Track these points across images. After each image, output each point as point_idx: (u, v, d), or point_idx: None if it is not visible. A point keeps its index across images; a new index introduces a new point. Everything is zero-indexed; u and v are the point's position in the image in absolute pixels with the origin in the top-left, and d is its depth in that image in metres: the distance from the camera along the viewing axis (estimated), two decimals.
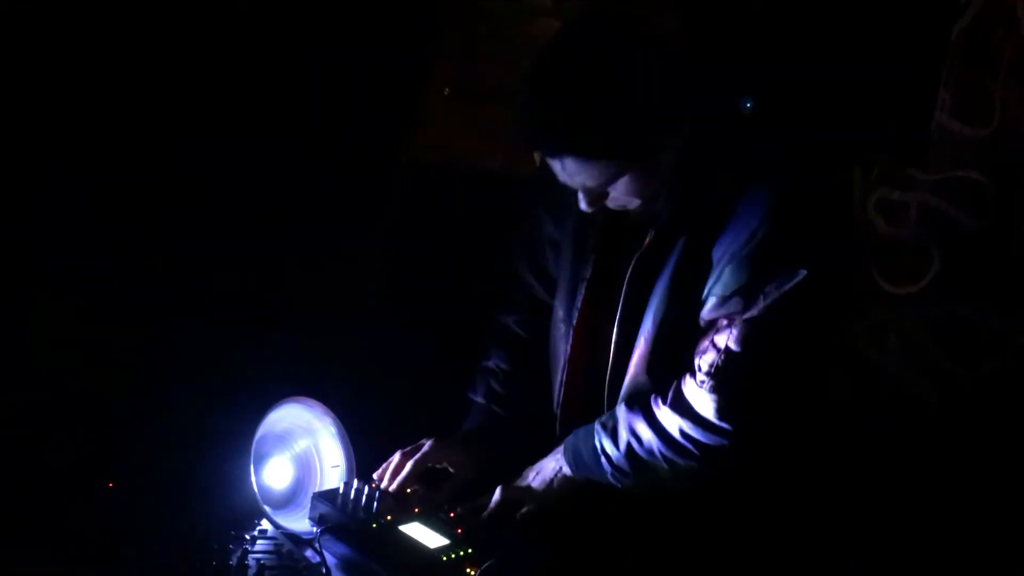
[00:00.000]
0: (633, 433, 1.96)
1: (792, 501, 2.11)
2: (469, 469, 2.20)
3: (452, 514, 2.00)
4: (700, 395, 1.90)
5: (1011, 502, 2.61)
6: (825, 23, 2.40)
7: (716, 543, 2.02)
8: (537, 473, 2.10)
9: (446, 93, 3.34)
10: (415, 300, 3.18)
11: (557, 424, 2.20)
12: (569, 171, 1.84)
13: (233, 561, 1.79)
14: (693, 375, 1.92)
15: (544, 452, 2.14)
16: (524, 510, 2.02)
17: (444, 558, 1.84)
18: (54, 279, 2.73)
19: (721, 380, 1.88)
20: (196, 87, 2.97)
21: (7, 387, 2.34)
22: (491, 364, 2.34)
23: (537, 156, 1.91)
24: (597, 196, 1.91)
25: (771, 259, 1.87)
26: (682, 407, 1.93)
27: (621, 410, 2.01)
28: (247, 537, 1.88)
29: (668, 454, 1.93)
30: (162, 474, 2.00)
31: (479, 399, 2.32)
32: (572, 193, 1.94)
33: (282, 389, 2.07)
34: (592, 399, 2.10)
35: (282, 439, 2.11)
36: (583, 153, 1.80)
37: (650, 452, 1.95)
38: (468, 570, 1.81)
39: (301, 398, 2.10)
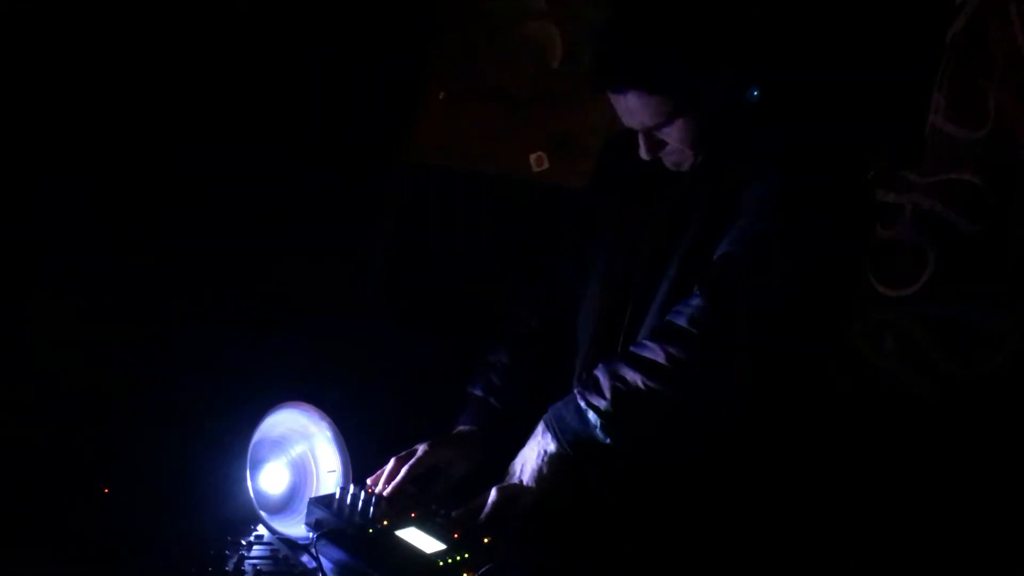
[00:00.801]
0: (616, 377, 2.00)
1: (791, 496, 2.12)
2: (464, 466, 2.21)
3: (451, 520, 2.00)
4: (688, 306, 1.99)
5: (1009, 501, 2.61)
6: (818, 24, 2.40)
7: (715, 535, 2.04)
8: (523, 464, 2.10)
9: (441, 96, 3.35)
10: (413, 304, 3.19)
11: None
12: (632, 108, 2.02)
13: (229, 567, 1.80)
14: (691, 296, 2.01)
15: None
16: (520, 506, 2.04)
17: (441, 563, 1.85)
18: (54, 279, 2.73)
19: (712, 289, 1.99)
20: (196, 87, 2.97)
21: (7, 387, 2.35)
22: (493, 358, 2.36)
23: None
24: (655, 143, 2.07)
25: (792, 206, 2.02)
26: (666, 333, 2.00)
27: (599, 367, 2.05)
28: (243, 543, 1.89)
29: (653, 384, 1.97)
30: (158, 479, 2.00)
31: (477, 392, 2.33)
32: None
33: (278, 393, 2.08)
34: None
35: (278, 444, 2.11)
36: (645, 87, 1.98)
37: (635, 388, 1.98)
38: (465, 575, 1.82)
39: (297, 403, 2.10)
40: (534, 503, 2.04)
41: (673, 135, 2.05)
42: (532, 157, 3.20)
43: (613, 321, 2.17)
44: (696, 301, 1.99)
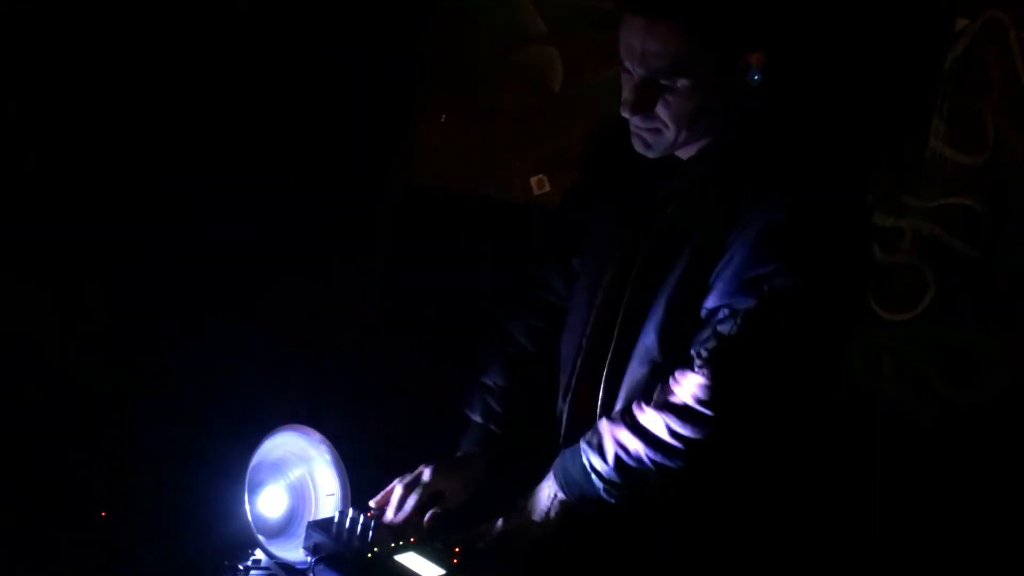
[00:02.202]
0: (619, 444, 1.96)
1: (788, 525, 2.12)
2: (467, 490, 2.20)
3: (451, 546, 1.99)
4: (690, 380, 1.90)
5: (1006, 523, 2.62)
6: (819, 51, 2.40)
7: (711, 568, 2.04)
8: (532, 501, 2.09)
9: (443, 119, 3.36)
10: (411, 325, 3.18)
11: (564, 421, 2.18)
12: (651, 46, 1.89)
13: None
14: (688, 365, 1.92)
15: (545, 466, 2.13)
16: (524, 540, 2.03)
17: None
18: (54, 279, 2.73)
19: (716, 363, 1.89)
20: (196, 90, 2.97)
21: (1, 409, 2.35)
22: (488, 381, 2.32)
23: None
24: (645, 100, 1.95)
25: (784, 251, 1.89)
26: (667, 404, 1.93)
27: (604, 424, 2.00)
28: (241, 567, 1.88)
29: (656, 458, 1.92)
30: (156, 501, 2.00)
31: (477, 419, 2.30)
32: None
33: (277, 417, 2.07)
34: (597, 389, 2.10)
35: (277, 467, 2.10)
36: (686, 18, 1.87)
37: (638, 460, 1.94)
38: None
39: (296, 426, 2.09)
40: (538, 539, 2.03)
41: (670, 98, 1.94)
42: (533, 180, 3.21)
43: (600, 342, 2.11)
44: (696, 375, 1.90)
